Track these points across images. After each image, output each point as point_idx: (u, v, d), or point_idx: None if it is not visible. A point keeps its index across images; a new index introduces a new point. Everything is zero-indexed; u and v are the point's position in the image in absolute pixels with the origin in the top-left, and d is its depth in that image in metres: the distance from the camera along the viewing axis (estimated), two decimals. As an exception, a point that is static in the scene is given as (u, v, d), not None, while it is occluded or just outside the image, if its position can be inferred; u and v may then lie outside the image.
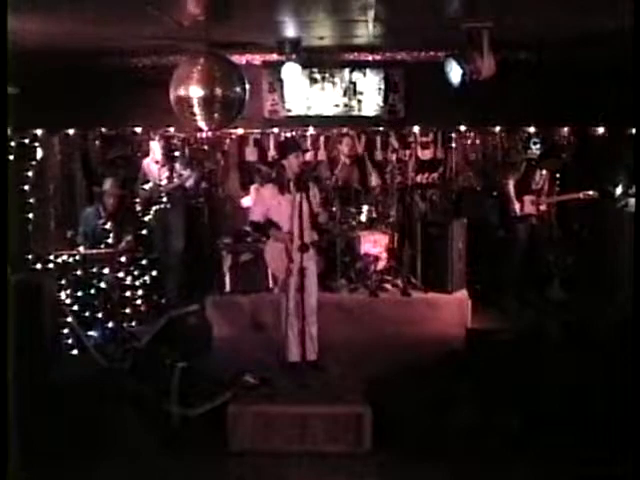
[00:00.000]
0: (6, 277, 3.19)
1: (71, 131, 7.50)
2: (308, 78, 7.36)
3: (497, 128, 7.62)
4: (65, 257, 6.18)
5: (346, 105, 7.51)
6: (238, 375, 4.90)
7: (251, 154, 7.69)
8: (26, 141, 7.16)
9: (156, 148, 7.01)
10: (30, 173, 7.15)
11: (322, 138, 7.65)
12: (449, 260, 6.65)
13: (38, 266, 6.12)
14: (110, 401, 4.64)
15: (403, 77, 7.39)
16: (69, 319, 5.86)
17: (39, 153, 7.29)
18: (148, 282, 6.84)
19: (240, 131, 7.50)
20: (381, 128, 7.58)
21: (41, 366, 4.78)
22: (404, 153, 7.64)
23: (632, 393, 3.06)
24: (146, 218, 7.13)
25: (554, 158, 7.05)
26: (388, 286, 6.79)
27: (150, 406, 4.65)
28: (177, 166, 7.07)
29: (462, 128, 7.63)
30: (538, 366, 4.57)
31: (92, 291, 6.17)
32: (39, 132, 7.28)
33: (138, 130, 7.51)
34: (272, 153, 7.52)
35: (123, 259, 6.45)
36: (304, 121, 7.53)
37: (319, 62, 7.27)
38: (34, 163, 7.23)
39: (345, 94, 7.49)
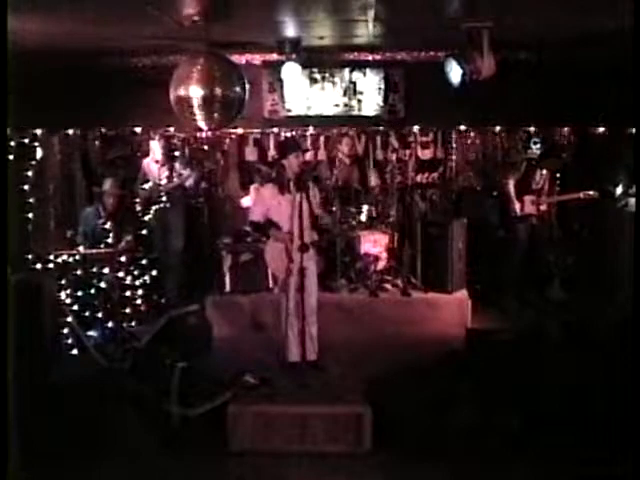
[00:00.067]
0: (6, 277, 3.19)
1: (71, 131, 7.50)
2: (308, 78, 7.36)
3: (497, 128, 7.62)
4: (65, 257, 6.18)
5: (346, 105, 7.52)
6: (238, 375, 4.90)
7: (251, 154, 7.69)
8: (26, 141, 7.15)
9: (156, 148, 7.01)
10: (30, 173, 7.14)
11: (322, 138, 7.65)
12: (449, 260, 6.65)
13: (38, 266, 6.12)
14: (110, 401, 4.64)
15: (403, 77, 7.40)
16: (69, 319, 5.86)
17: (39, 153, 7.28)
18: (148, 282, 6.84)
19: (240, 131, 7.50)
20: (381, 128, 7.59)
21: (41, 366, 4.78)
22: (404, 153, 7.65)
23: (632, 393, 3.06)
24: (146, 218, 7.14)
25: (554, 158, 7.05)
26: (388, 286, 6.79)
27: (150, 406, 4.65)
28: (177, 166, 7.07)
29: (462, 128, 7.64)
30: (538, 366, 4.57)
31: (92, 291, 6.18)
32: (39, 132, 7.28)
33: (138, 130, 7.51)
34: (272, 153, 7.52)
35: (123, 259, 6.45)
36: (304, 121, 7.53)
37: (319, 62, 7.28)
38: (34, 163, 7.22)
39: (345, 94, 7.49)
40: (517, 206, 6.87)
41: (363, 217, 6.90)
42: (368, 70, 7.41)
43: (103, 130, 7.57)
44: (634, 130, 6.86)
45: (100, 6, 4.57)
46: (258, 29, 5.74)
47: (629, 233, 5.86)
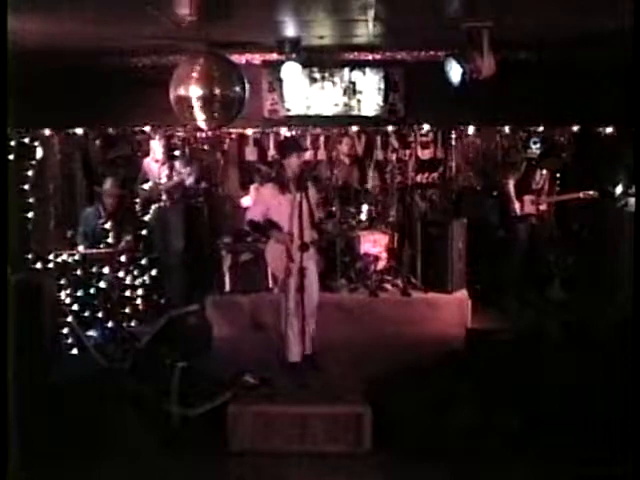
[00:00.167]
0: (6, 277, 3.19)
1: (71, 131, 7.49)
2: (308, 77, 7.35)
3: (497, 128, 7.61)
4: (65, 257, 6.19)
5: (346, 104, 7.51)
6: (238, 375, 4.90)
7: (251, 154, 7.69)
8: (26, 141, 7.15)
9: (156, 147, 7.01)
10: (30, 173, 7.15)
11: (322, 138, 7.65)
12: (449, 260, 6.65)
13: (38, 266, 6.14)
14: (110, 401, 4.65)
15: (403, 76, 7.38)
16: (69, 319, 5.87)
17: (39, 153, 7.28)
18: (148, 282, 6.85)
19: (240, 130, 7.50)
20: (381, 128, 7.58)
21: (41, 366, 4.78)
22: (404, 153, 7.64)
23: (632, 393, 3.06)
24: (146, 218, 7.14)
25: (554, 158, 7.05)
26: (388, 286, 6.79)
27: (150, 406, 4.65)
28: (177, 165, 7.07)
29: (462, 128, 7.63)
30: (538, 366, 4.57)
31: (92, 291, 6.19)
32: (39, 132, 7.28)
33: (138, 130, 7.51)
34: (272, 153, 7.52)
35: (123, 259, 6.45)
36: (304, 121, 7.52)
37: (319, 61, 7.27)
38: (34, 163, 7.22)
39: (345, 93, 7.48)
40: (517, 206, 6.87)
41: (363, 217, 6.90)
42: (368, 70, 7.39)
43: (103, 130, 7.56)
44: (634, 130, 6.85)
45: (100, 6, 4.56)
46: (258, 29, 5.74)
47: (629, 233, 5.86)
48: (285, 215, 4.88)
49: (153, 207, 7.04)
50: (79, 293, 6.13)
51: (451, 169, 7.75)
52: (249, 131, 7.54)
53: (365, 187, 7.17)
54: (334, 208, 6.77)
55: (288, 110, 7.46)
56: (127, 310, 6.48)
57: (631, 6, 3.39)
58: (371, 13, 5.01)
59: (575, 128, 7.41)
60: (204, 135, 7.53)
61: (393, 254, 6.96)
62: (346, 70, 7.40)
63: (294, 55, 6.40)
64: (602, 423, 4.07)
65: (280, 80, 7.11)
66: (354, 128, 7.55)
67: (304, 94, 7.43)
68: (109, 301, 6.22)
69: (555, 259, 7.24)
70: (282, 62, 6.55)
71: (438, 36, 5.89)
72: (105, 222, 6.50)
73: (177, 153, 7.48)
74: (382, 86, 7.41)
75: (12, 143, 6.87)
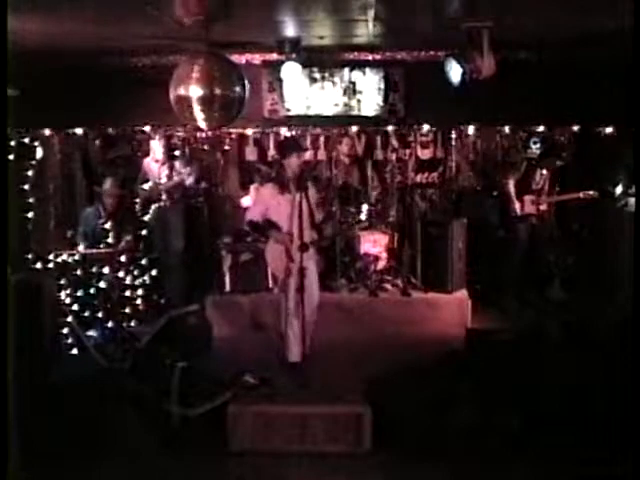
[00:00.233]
0: (6, 277, 3.19)
1: (71, 131, 7.49)
2: (308, 77, 7.35)
3: (497, 128, 7.61)
4: (65, 257, 6.19)
5: (346, 105, 7.51)
6: (238, 375, 4.89)
7: (251, 154, 7.69)
8: (26, 141, 7.15)
9: (156, 147, 7.01)
10: (30, 173, 7.14)
11: (322, 138, 7.65)
12: (449, 260, 6.65)
13: (38, 266, 6.13)
14: (110, 401, 4.65)
15: (403, 77, 7.38)
16: (69, 319, 5.87)
17: (39, 153, 7.28)
18: (148, 282, 6.85)
19: (240, 130, 7.50)
20: (381, 128, 7.58)
21: (41, 366, 4.78)
22: (404, 153, 7.64)
23: (632, 393, 3.06)
24: (146, 218, 7.14)
25: (554, 157, 7.04)
26: (388, 286, 6.79)
27: (150, 406, 4.65)
28: (177, 165, 7.07)
29: (462, 127, 7.63)
30: (538, 366, 4.57)
31: (92, 291, 6.19)
32: (39, 132, 7.28)
33: (138, 130, 7.51)
34: (272, 153, 7.52)
35: (123, 259, 6.45)
36: (304, 121, 7.52)
37: (319, 61, 7.27)
38: (34, 163, 7.23)
39: (345, 93, 7.48)
40: (517, 206, 6.87)
41: (363, 217, 6.90)
42: (368, 70, 7.40)
43: (103, 130, 7.56)
44: (634, 130, 6.85)
45: (100, 6, 4.57)
46: (258, 29, 5.74)
47: (629, 233, 5.86)
48: (285, 215, 4.88)
49: (153, 207, 7.04)
50: (79, 293, 6.13)
51: (451, 169, 7.75)
52: (249, 131, 7.54)
53: (365, 187, 7.17)
54: (334, 208, 6.77)
55: (288, 110, 7.46)
56: (127, 310, 6.48)
57: (631, 6, 3.39)
58: (371, 13, 5.01)
59: (575, 128, 7.41)
60: (204, 135, 7.53)
61: (393, 254, 6.96)
62: (346, 70, 7.40)
63: (294, 55, 6.41)
64: (602, 423, 4.07)
65: (280, 80, 7.11)
66: (354, 128, 7.55)
67: (304, 94, 7.43)
68: (109, 301, 6.22)
69: (555, 259, 7.24)
70: (282, 62, 6.55)
71: (438, 36, 5.89)
72: (105, 222, 6.51)
73: (177, 153, 7.48)
74: (382, 86, 7.41)
75: (12, 143, 6.87)
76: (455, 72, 5.56)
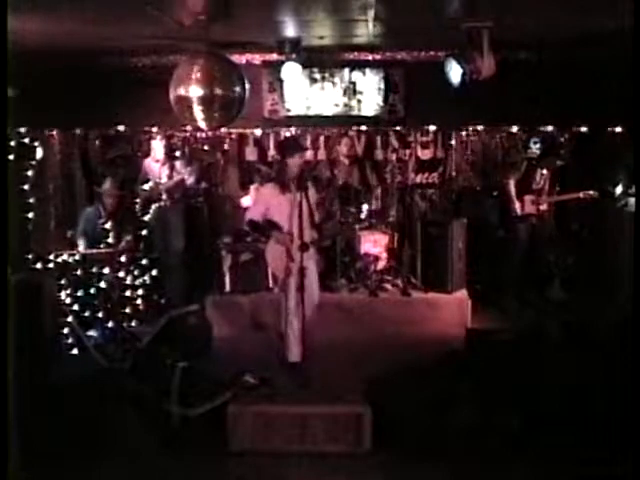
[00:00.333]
0: (6, 277, 3.19)
1: (71, 131, 7.49)
2: (308, 78, 7.36)
3: (497, 128, 7.61)
4: (65, 257, 6.19)
5: (346, 105, 7.52)
6: (238, 375, 4.89)
7: (251, 154, 7.69)
8: (26, 141, 7.15)
9: (156, 147, 7.01)
10: (30, 173, 7.14)
11: (322, 138, 7.65)
12: (449, 260, 6.65)
13: (38, 266, 6.13)
14: (110, 401, 4.64)
15: (403, 77, 7.40)
16: (69, 319, 5.87)
17: (39, 153, 7.28)
18: (148, 282, 6.85)
19: (240, 130, 7.50)
20: (381, 128, 7.58)
21: (41, 366, 4.78)
22: (404, 153, 7.65)
23: (632, 393, 3.06)
24: (146, 218, 7.14)
25: (554, 157, 7.04)
26: (388, 286, 6.79)
27: (150, 406, 4.65)
28: (177, 165, 7.07)
29: (462, 128, 7.63)
30: (538, 366, 4.57)
31: (92, 291, 6.18)
32: (39, 132, 7.28)
33: (138, 130, 7.51)
34: (272, 153, 7.52)
35: (123, 259, 6.46)
36: (304, 121, 7.53)
37: (319, 62, 7.28)
38: (34, 163, 7.22)
39: (345, 94, 7.49)
40: (517, 206, 6.87)
41: (363, 217, 6.90)
42: (368, 70, 7.40)
43: (103, 130, 7.56)
44: (634, 130, 6.86)
45: (100, 6, 4.57)
46: (258, 29, 5.74)
47: (629, 233, 5.86)
48: (285, 215, 4.88)
49: (153, 207, 7.05)
50: (79, 293, 6.13)
51: (451, 169, 7.75)
52: (249, 131, 7.54)
53: (365, 187, 7.16)
54: (334, 208, 6.77)
55: (288, 110, 7.47)
56: (127, 310, 6.48)
57: (631, 6, 3.39)
58: (371, 13, 5.01)
59: (575, 128, 7.41)
60: (204, 135, 7.53)
61: (393, 254, 6.96)
62: (346, 70, 7.41)
63: (294, 55, 6.41)
64: (602, 423, 4.06)
65: (280, 80, 7.12)
66: (354, 128, 7.54)
67: (304, 94, 7.44)
68: (109, 301, 6.22)
69: (555, 259, 7.24)
70: (282, 62, 6.56)
71: (438, 36, 5.89)
72: (105, 222, 6.51)
73: (177, 153, 7.49)
74: (382, 86, 7.42)
75: (12, 143, 6.87)
76: (455, 72, 5.56)
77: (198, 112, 5.48)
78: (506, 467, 4.09)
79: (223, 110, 5.55)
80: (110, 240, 6.46)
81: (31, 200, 7.15)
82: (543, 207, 6.93)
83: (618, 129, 7.19)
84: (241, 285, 6.63)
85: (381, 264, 6.85)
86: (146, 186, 6.94)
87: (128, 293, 6.55)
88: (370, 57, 7.28)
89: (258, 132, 7.58)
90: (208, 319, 6.37)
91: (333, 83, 7.46)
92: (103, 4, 4.54)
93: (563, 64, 6.83)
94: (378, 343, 5.91)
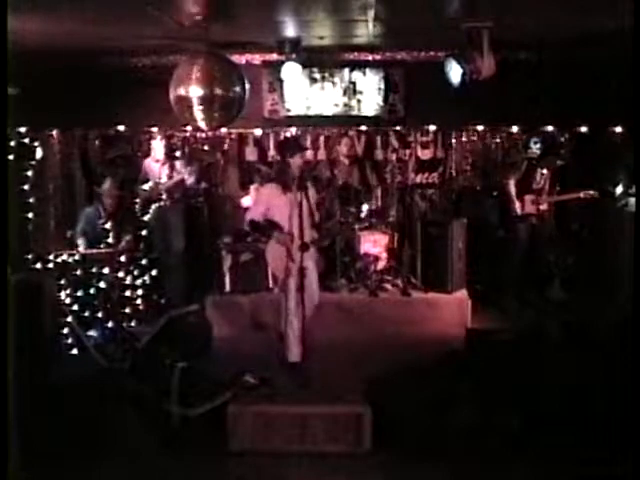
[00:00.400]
0: (6, 277, 3.19)
1: (71, 131, 7.49)
2: (308, 78, 7.36)
3: (497, 128, 7.61)
4: (65, 257, 6.19)
5: (346, 105, 7.52)
6: (238, 375, 4.89)
7: (251, 154, 7.69)
8: (26, 141, 7.15)
9: (156, 147, 7.01)
10: (30, 173, 7.14)
11: (322, 138, 7.65)
12: (449, 260, 6.65)
13: (38, 266, 6.13)
14: (110, 401, 4.64)
15: (403, 77, 7.40)
16: (69, 319, 5.87)
17: (39, 153, 7.28)
18: (148, 282, 6.85)
19: (240, 130, 7.50)
20: (381, 128, 7.58)
21: (41, 366, 4.78)
22: (404, 153, 7.65)
23: (632, 393, 3.06)
24: (146, 218, 7.14)
25: (554, 156, 7.04)
26: (388, 286, 6.79)
27: (150, 406, 4.65)
28: (177, 165, 7.06)
29: (462, 128, 7.63)
30: (538, 366, 4.57)
31: (92, 291, 6.18)
32: (39, 132, 7.28)
33: (138, 130, 7.51)
34: (272, 153, 7.53)
35: (123, 259, 6.45)
36: (304, 121, 7.53)
37: (319, 62, 7.28)
38: (34, 163, 7.22)
39: (345, 94, 7.49)
40: (517, 206, 6.86)
41: (363, 217, 6.90)
42: (368, 70, 7.41)
43: (103, 130, 7.56)
44: (634, 130, 6.86)
45: (100, 6, 4.57)
46: (258, 29, 5.74)
47: (629, 233, 5.87)
48: (286, 215, 4.88)
49: (153, 207, 7.05)
50: (79, 293, 6.12)
51: (451, 169, 7.75)
52: (249, 131, 7.54)
53: (365, 187, 7.16)
54: (334, 208, 6.77)
55: (288, 110, 7.47)
56: (127, 310, 6.48)
57: (631, 6, 3.39)
58: (371, 13, 5.01)
59: (575, 128, 7.41)
60: (204, 135, 7.53)
61: (393, 254, 6.96)
62: (346, 70, 7.41)
63: (294, 55, 6.41)
64: (602, 423, 4.06)
65: (280, 80, 7.12)
66: (354, 128, 7.54)
67: (304, 94, 7.44)
68: (109, 301, 6.22)
69: (555, 259, 7.24)
70: (282, 62, 6.56)
71: (438, 36, 5.90)
72: (105, 222, 6.51)
73: (177, 153, 7.49)
74: (382, 86, 7.43)
75: (12, 143, 6.87)
76: (455, 72, 5.56)
77: (198, 112, 5.49)
78: (506, 467, 4.09)
79: (223, 110, 5.55)
80: (110, 240, 6.46)
81: (31, 200, 7.15)
82: (543, 207, 6.93)
83: (618, 129, 7.20)
84: (241, 285, 6.63)
85: (381, 264, 6.85)
86: (146, 186, 6.94)
87: (128, 293, 6.54)
88: (370, 57, 7.29)
89: (258, 132, 7.58)
90: (208, 319, 6.37)
91: (333, 83, 7.46)
92: (103, 4, 4.54)
93: (563, 64, 6.83)
94: (378, 343, 5.91)
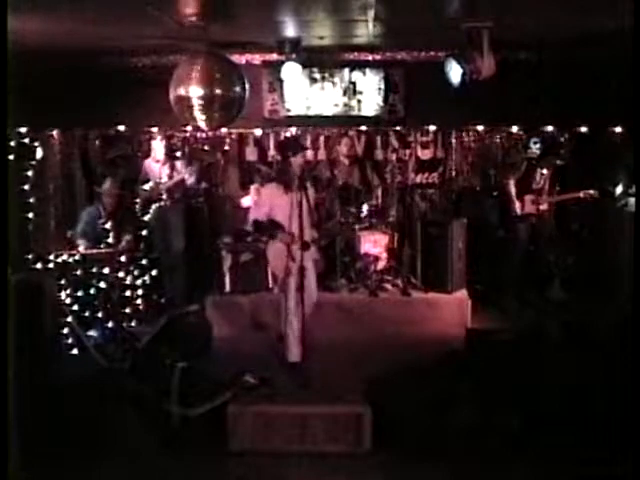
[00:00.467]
0: (6, 277, 3.19)
1: (71, 131, 7.49)
2: (308, 78, 7.37)
3: (497, 128, 7.61)
4: (65, 257, 6.19)
5: (346, 105, 7.52)
6: (238, 375, 4.89)
7: (251, 154, 7.69)
8: (26, 141, 7.15)
9: (156, 147, 7.01)
10: (30, 173, 7.14)
11: (322, 138, 7.65)
12: (449, 260, 6.64)
13: (38, 266, 6.13)
14: (110, 401, 4.65)
15: (403, 77, 7.40)
16: (69, 319, 5.87)
17: (39, 153, 7.28)
18: (148, 282, 6.85)
19: (240, 130, 7.50)
20: (381, 128, 7.58)
21: (41, 366, 4.78)
22: (404, 153, 7.65)
23: (632, 393, 3.06)
24: (146, 218, 7.14)
25: (554, 156, 7.04)
26: (388, 286, 6.78)
27: (150, 406, 4.65)
28: (177, 165, 7.07)
29: (462, 128, 7.63)
30: (538, 366, 4.57)
31: (92, 291, 6.18)
32: (39, 132, 7.28)
33: (138, 130, 7.51)
34: (272, 153, 7.53)
35: (123, 259, 6.45)
36: (304, 121, 7.53)
37: (319, 62, 7.28)
38: (34, 163, 7.22)
39: (345, 94, 7.49)
40: (517, 206, 6.86)
41: (363, 217, 6.90)
42: (368, 70, 7.41)
43: (103, 130, 7.56)
44: (634, 130, 6.86)
45: (100, 6, 4.57)
46: (258, 29, 5.74)
47: (629, 233, 5.86)
48: (287, 214, 4.88)
49: (153, 207, 7.04)
50: (79, 293, 6.12)
51: (451, 169, 7.75)
52: (249, 131, 7.54)
53: (365, 187, 7.16)
54: (334, 208, 6.77)
55: (288, 110, 7.48)
56: (127, 310, 6.48)
57: (631, 6, 3.39)
58: (371, 13, 5.01)
59: (575, 128, 7.41)
60: (204, 135, 7.53)
61: (393, 254, 6.96)
62: (346, 70, 7.42)
63: (294, 55, 6.41)
64: (602, 423, 4.07)
65: (280, 80, 7.12)
66: (354, 128, 7.54)
67: (304, 94, 7.44)
68: (109, 301, 6.22)
69: (555, 259, 7.24)
70: (282, 62, 6.56)
71: (438, 36, 5.90)
72: (105, 222, 6.51)
73: (177, 153, 7.49)
74: (382, 86, 7.43)
75: (12, 143, 6.87)
76: (455, 72, 5.56)
77: (198, 112, 5.49)
78: (506, 467, 4.09)
79: (223, 110, 5.55)
80: (110, 240, 6.46)
81: (31, 200, 7.15)
82: (543, 207, 6.93)
83: (618, 129, 7.20)
84: (241, 285, 6.63)
85: (381, 264, 6.84)
86: (146, 186, 6.93)
87: (128, 293, 6.54)
88: (370, 57, 7.29)
89: (258, 132, 7.58)
90: (208, 319, 6.37)
91: (333, 83, 7.46)
92: (103, 4, 4.54)
93: (563, 64, 6.84)
94: (378, 343, 5.90)
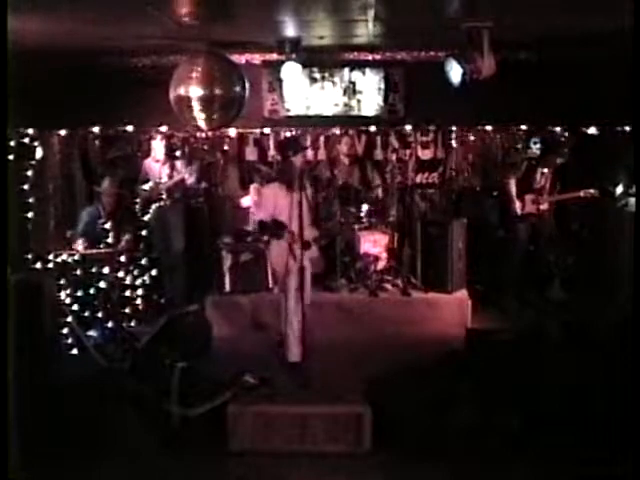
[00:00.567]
0: (6, 277, 3.19)
1: (71, 131, 7.49)
2: (308, 77, 7.37)
3: (497, 128, 7.61)
4: (65, 257, 6.18)
5: (346, 105, 7.52)
6: (238, 375, 4.89)
7: (251, 154, 7.69)
8: (26, 141, 7.15)
9: (156, 147, 7.01)
10: (30, 173, 7.15)
11: (322, 138, 7.64)
12: (449, 260, 6.64)
13: (38, 266, 6.13)
14: (110, 401, 4.64)
15: (403, 77, 7.40)
16: (69, 319, 5.86)
17: (39, 153, 7.28)
18: (148, 282, 6.85)
19: (240, 130, 7.50)
20: (381, 128, 7.58)
21: (41, 366, 4.78)
22: (404, 153, 7.64)
23: (632, 393, 3.06)
24: (146, 218, 7.14)
25: (554, 155, 7.03)
26: (388, 286, 6.78)
27: (150, 406, 4.65)
28: (177, 165, 7.06)
29: (462, 128, 7.63)
30: (538, 366, 4.57)
31: (92, 291, 6.18)
32: (39, 132, 7.28)
33: (138, 130, 7.51)
34: (272, 153, 7.52)
35: (123, 259, 6.45)
36: (304, 121, 7.53)
37: (319, 61, 7.28)
38: (34, 163, 7.22)
39: (345, 94, 7.50)
40: (517, 206, 6.86)
41: (363, 217, 6.90)
42: (368, 70, 7.41)
43: (103, 130, 7.56)
44: (634, 129, 6.86)
45: (100, 6, 4.57)
46: (258, 29, 5.74)
47: (629, 233, 5.86)
48: (288, 214, 4.88)
49: (153, 207, 7.04)
50: (79, 293, 6.12)
51: (451, 169, 7.74)
52: (249, 131, 7.54)
53: (365, 187, 7.16)
54: (334, 208, 6.77)
55: (288, 110, 7.48)
56: (127, 310, 6.48)
57: (631, 6, 3.40)
58: (371, 13, 5.01)
59: (575, 127, 7.41)
60: (204, 135, 7.52)
61: (393, 254, 6.96)
62: (346, 70, 7.42)
63: (294, 55, 6.41)
64: (602, 423, 4.06)
65: (280, 80, 7.12)
66: (354, 128, 7.54)
67: (304, 94, 7.44)
68: (109, 301, 6.21)
69: (555, 259, 7.23)
70: (282, 62, 6.56)
71: (438, 36, 5.90)
72: (105, 222, 6.50)
73: (177, 153, 7.48)
74: (382, 86, 7.43)
75: (12, 143, 6.87)
76: (455, 72, 5.57)
77: (198, 112, 5.49)
78: (506, 467, 4.09)
79: (223, 110, 5.56)
80: (110, 240, 6.45)
81: (31, 200, 7.15)
82: (543, 207, 6.92)
83: (618, 129, 7.19)
84: (241, 285, 6.63)
85: (381, 264, 6.84)
86: (146, 186, 6.93)
87: (128, 293, 6.54)
88: (370, 57, 7.29)
89: (258, 132, 7.58)
90: (208, 319, 6.36)
91: (333, 83, 7.46)
92: (103, 4, 4.54)
93: (563, 64, 6.83)
94: (378, 343, 5.90)
